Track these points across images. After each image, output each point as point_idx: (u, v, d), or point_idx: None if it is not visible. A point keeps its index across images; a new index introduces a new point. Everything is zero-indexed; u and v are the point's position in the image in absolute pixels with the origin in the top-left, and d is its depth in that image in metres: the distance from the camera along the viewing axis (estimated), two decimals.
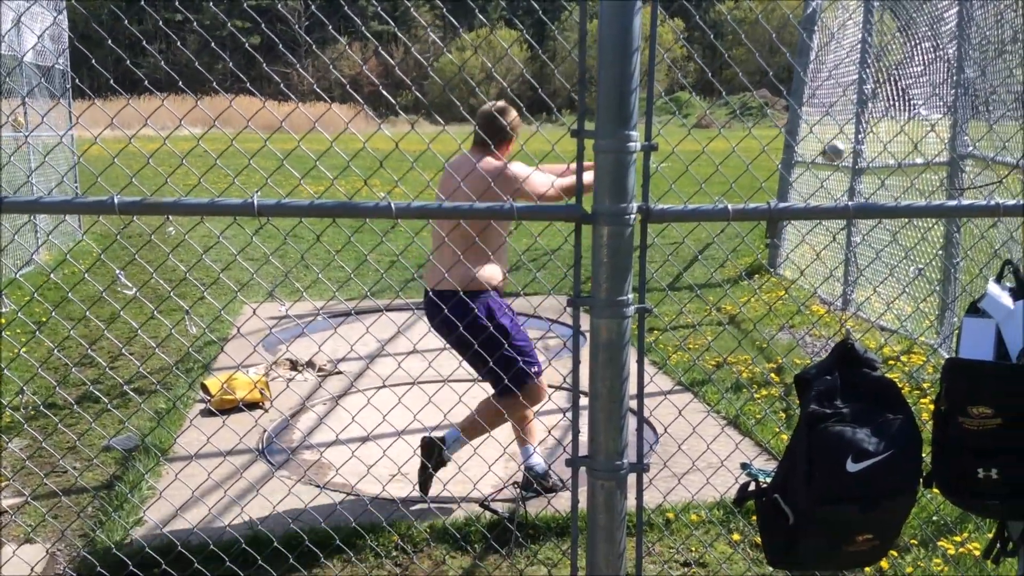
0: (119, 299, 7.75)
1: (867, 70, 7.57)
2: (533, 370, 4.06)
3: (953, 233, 6.10)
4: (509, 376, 3.88)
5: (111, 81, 2.53)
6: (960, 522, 3.88)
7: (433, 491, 4.16)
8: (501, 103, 4.20)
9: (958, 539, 3.74)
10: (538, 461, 4.23)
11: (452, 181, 3.93)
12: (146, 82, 2.69)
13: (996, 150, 5.61)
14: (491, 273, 4.06)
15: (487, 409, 4.13)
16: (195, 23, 2.52)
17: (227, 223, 2.35)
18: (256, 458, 4.60)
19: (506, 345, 3.81)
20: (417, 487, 4.16)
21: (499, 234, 3.99)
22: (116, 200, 2.15)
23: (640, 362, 2.40)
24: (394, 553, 3.73)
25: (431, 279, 4.05)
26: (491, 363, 3.68)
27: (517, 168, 3.99)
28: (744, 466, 4.30)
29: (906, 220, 6.58)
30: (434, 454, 4.13)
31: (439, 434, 4.18)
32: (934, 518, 3.92)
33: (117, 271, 2.74)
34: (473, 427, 4.12)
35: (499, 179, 3.90)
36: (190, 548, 3.60)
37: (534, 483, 4.18)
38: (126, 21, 2.71)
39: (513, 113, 4.13)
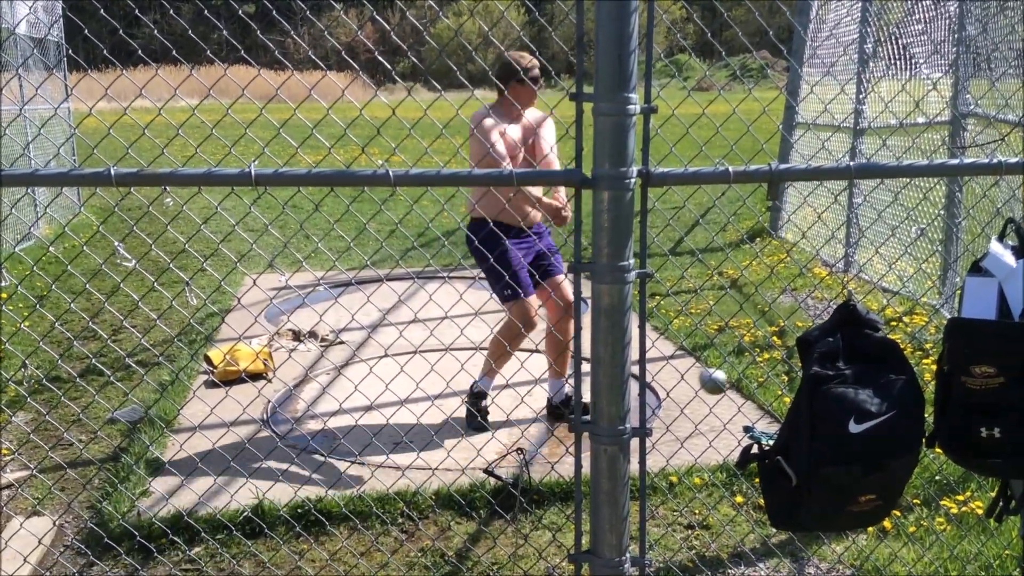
0: (119, 272, 7.74)
1: (868, 28, 7.49)
2: (514, 293, 4.47)
3: (955, 192, 6.07)
4: (498, 294, 4.48)
5: (105, 52, 2.50)
6: (962, 481, 3.90)
7: (437, 458, 4.18)
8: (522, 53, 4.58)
9: (961, 498, 3.76)
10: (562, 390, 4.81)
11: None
12: (139, 52, 2.66)
13: (998, 108, 5.57)
14: (495, 207, 4.35)
15: (491, 345, 4.63)
16: None
17: (225, 193, 2.33)
18: (260, 428, 4.62)
19: (494, 267, 4.24)
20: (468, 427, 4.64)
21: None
22: (113, 172, 2.13)
23: (642, 327, 2.39)
24: (400, 520, 3.75)
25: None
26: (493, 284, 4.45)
27: (486, 127, 4.31)
28: (747, 429, 4.31)
29: (908, 180, 6.55)
30: (479, 403, 4.67)
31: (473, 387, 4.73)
32: (936, 477, 3.94)
33: (116, 243, 2.73)
34: (490, 366, 4.63)
35: (475, 129, 4.26)
36: (196, 518, 3.63)
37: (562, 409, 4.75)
38: None
39: (528, 59, 4.44)
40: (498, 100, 4.54)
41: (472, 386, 4.69)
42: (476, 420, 4.63)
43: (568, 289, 4.68)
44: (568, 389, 4.76)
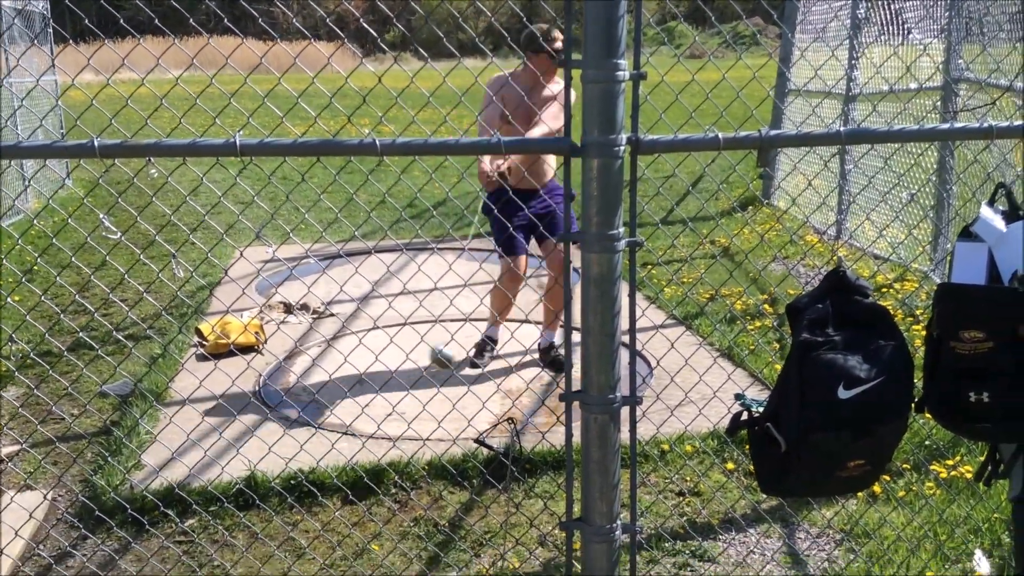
0: (107, 245, 7.70)
1: None
2: (503, 251, 4.94)
3: (946, 158, 6.06)
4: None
5: (86, 21, 2.46)
6: (952, 446, 3.93)
7: (428, 429, 4.19)
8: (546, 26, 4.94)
9: (950, 463, 3.79)
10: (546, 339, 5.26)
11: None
12: (121, 20, 2.62)
13: (989, 72, 5.54)
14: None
15: (490, 297, 5.21)
16: None
17: (211, 164, 2.30)
18: (251, 401, 4.61)
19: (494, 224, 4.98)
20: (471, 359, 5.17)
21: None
22: (96, 143, 2.10)
23: (632, 296, 2.38)
24: (392, 490, 3.76)
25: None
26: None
27: (486, 91, 4.58)
28: (738, 396, 4.33)
29: (898, 145, 6.53)
30: (485, 348, 5.20)
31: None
32: (926, 442, 3.97)
33: (101, 215, 2.70)
34: (494, 317, 5.22)
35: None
36: (188, 491, 3.63)
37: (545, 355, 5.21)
38: None
39: (549, 30, 4.82)
40: (519, 67, 4.93)
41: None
42: (480, 354, 5.17)
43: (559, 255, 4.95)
44: (558, 339, 5.21)
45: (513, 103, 4.69)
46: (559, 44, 4.72)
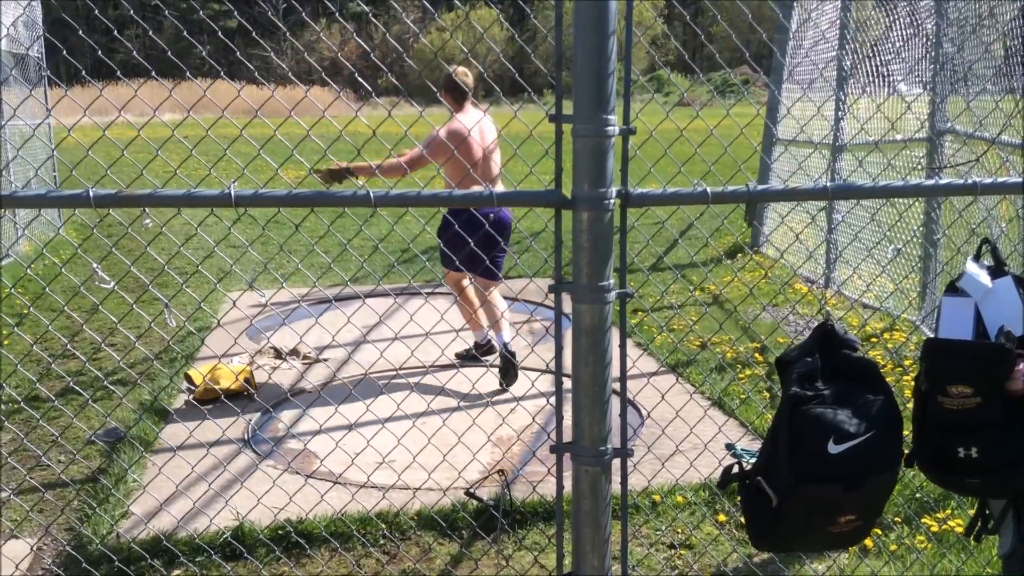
0: (98, 292, 7.68)
1: (845, 47, 7.57)
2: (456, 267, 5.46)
3: (932, 211, 6.12)
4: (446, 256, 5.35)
5: (83, 72, 2.49)
6: (942, 500, 3.92)
7: (418, 479, 4.16)
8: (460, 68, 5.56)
9: (941, 516, 3.78)
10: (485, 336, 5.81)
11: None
12: (118, 72, 2.66)
13: (974, 126, 5.63)
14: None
15: (462, 299, 5.65)
16: (170, 9, 2.48)
17: (205, 213, 2.32)
18: (241, 449, 4.58)
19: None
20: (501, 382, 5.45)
21: (468, 174, 5.22)
22: (92, 193, 2.12)
23: (622, 346, 2.39)
24: (381, 541, 3.73)
25: None
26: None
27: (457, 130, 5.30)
28: (729, 447, 4.33)
29: (884, 199, 6.60)
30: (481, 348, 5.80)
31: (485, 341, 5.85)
32: (917, 495, 3.96)
33: (94, 265, 2.70)
34: (472, 320, 5.66)
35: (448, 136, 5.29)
36: (175, 541, 3.59)
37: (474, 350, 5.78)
38: (96, 12, 2.67)
39: (460, 71, 5.51)
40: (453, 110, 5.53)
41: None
42: (479, 353, 5.71)
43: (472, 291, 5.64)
44: (493, 337, 5.76)
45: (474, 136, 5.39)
46: (469, 79, 5.50)
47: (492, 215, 5.29)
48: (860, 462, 2.03)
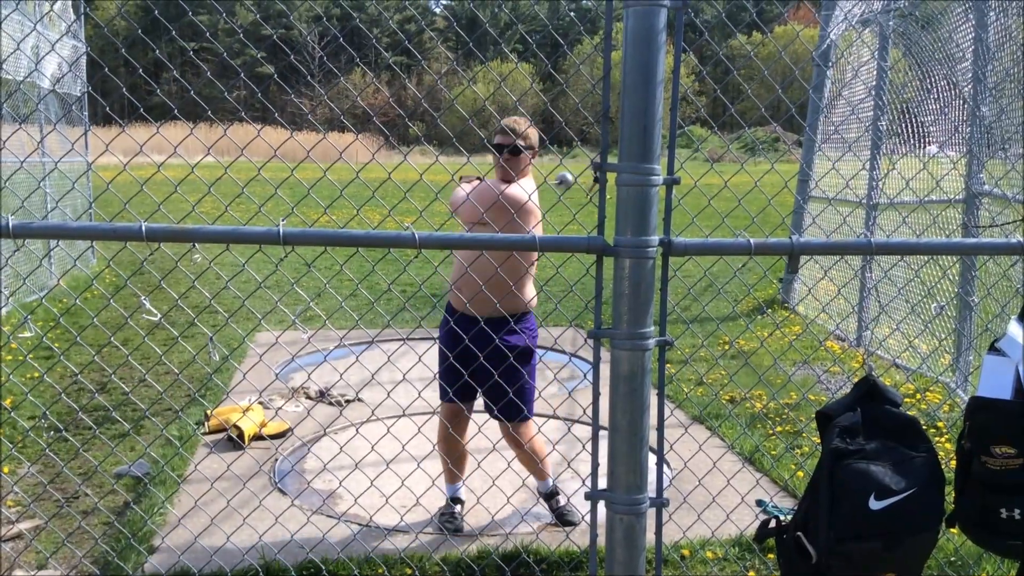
0: (141, 325, 7.79)
1: (882, 106, 7.60)
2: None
3: (969, 270, 6.08)
4: (526, 402, 4.05)
5: (133, 112, 2.57)
6: (979, 561, 3.84)
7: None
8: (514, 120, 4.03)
9: None
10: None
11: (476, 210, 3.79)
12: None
13: (1014, 190, 5.61)
14: (533, 295, 4.10)
15: (531, 448, 4.17)
16: (212, 52, 2.57)
17: (252, 251, 2.37)
18: (272, 487, 4.60)
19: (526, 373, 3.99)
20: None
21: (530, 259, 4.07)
22: (144, 227, 2.18)
23: (660, 395, 2.40)
24: None
25: (479, 306, 3.92)
26: (516, 387, 3.89)
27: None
28: (760, 503, 4.28)
29: (927, 257, 6.57)
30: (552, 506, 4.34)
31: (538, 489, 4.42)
32: (952, 559, 3.88)
33: (142, 298, 2.76)
34: (537, 468, 4.27)
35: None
36: None
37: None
38: (139, 53, 2.77)
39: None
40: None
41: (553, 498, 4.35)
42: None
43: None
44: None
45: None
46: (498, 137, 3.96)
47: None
48: (902, 519, 2.01)
